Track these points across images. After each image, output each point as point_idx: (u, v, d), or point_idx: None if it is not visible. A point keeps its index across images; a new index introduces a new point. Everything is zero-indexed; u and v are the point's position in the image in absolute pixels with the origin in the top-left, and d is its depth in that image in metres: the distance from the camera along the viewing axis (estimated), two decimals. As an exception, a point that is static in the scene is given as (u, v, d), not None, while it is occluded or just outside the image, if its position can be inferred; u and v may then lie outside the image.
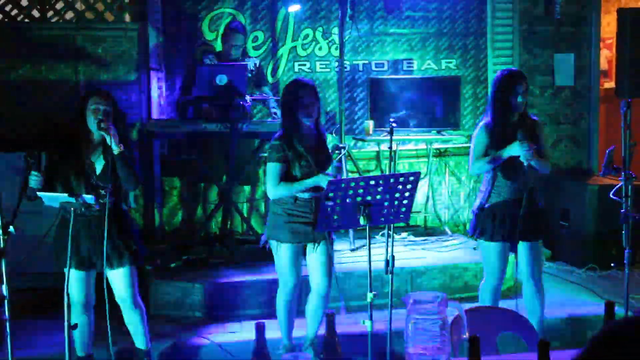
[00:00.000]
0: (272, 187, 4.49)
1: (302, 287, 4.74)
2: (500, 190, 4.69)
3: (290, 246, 4.53)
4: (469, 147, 4.93)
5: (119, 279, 4.38)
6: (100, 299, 4.43)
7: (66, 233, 4.07)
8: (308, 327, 4.71)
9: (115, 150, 4.17)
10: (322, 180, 4.39)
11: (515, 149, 4.54)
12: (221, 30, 6.66)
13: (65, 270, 4.22)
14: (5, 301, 3.81)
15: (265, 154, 6.92)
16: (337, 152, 6.38)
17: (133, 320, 4.48)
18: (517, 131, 4.57)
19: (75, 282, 4.32)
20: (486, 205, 4.72)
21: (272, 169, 4.48)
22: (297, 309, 4.74)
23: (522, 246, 4.73)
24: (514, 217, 4.63)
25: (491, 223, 4.70)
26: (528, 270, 4.74)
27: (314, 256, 4.58)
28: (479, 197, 4.83)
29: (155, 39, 6.67)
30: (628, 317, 1.55)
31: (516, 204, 4.63)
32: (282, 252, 4.55)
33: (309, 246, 4.58)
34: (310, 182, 4.44)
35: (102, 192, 4.28)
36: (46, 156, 4.37)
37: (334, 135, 6.77)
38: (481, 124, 4.77)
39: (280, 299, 4.66)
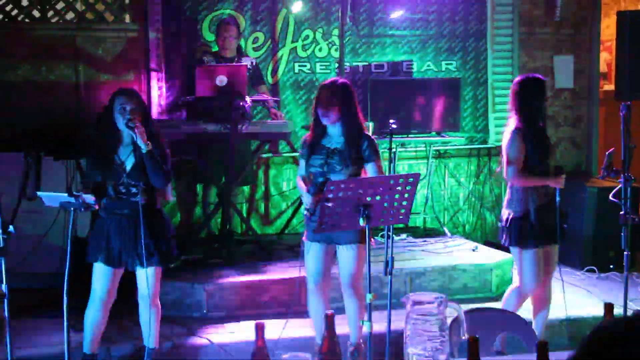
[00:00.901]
0: (298, 177, 4.70)
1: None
2: (530, 198, 4.68)
3: (313, 245, 4.55)
4: (469, 148, 4.93)
5: (144, 277, 4.40)
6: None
7: (98, 230, 4.26)
8: (350, 329, 4.66)
9: (144, 148, 4.24)
10: (303, 197, 4.53)
11: (554, 184, 4.64)
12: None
13: (93, 262, 4.32)
14: (6, 300, 3.82)
15: (265, 155, 6.96)
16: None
17: (149, 319, 4.49)
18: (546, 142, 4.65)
19: (101, 277, 4.38)
20: (520, 214, 4.70)
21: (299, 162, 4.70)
22: (322, 307, 4.62)
23: (549, 249, 4.78)
24: (546, 222, 4.66)
25: (528, 230, 4.68)
26: (547, 273, 4.77)
27: (341, 258, 4.57)
28: (509, 206, 4.76)
29: (155, 40, 6.68)
30: (620, 317, 1.56)
31: (546, 208, 4.66)
32: (306, 250, 4.60)
33: (339, 247, 4.55)
34: (301, 192, 4.59)
35: (134, 190, 4.33)
36: (85, 160, 4.44)
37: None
38: (511, 129, 4.68)
39: (309, 299, 4.68)
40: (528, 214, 4.69)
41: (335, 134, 4.54)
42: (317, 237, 4.50)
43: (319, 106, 4.49)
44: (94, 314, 4.42)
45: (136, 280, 4.46)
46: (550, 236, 4.72)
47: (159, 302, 4.55)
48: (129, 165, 4.34)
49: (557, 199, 4.71)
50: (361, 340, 4.61)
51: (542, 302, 4.86)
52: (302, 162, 4.62)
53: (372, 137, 4.70)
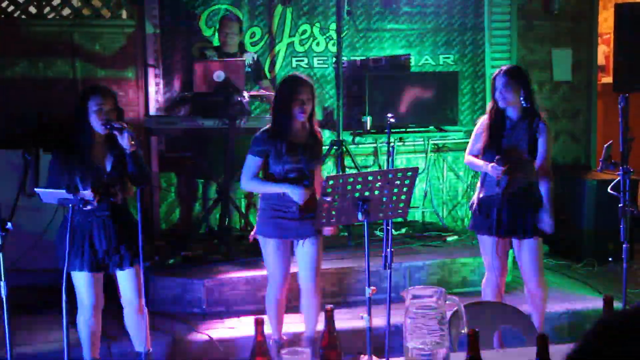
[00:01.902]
0: (244, 179, 4.54)
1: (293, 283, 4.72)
2: (491, 185, 4.67)
3: (276, 241, 4.50)
4: (467, 142, 4.94)
5: (127, 280, 4.33)
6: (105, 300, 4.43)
7: (74, 234, 4.07)
8: (305, 325, 4.71)
9: (129, 149, 4.12)
10: (292, 193, 4.41)
11: (490, 170, 4.55)
12: (217, 25, 6.67)
13: (74, 271, 4.21)
14: (4, 297, 3.81)
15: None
16: (335, 147, 6.38)
17: (135, 323, 4.41)
18: (517, 133, 4.59)
19: (88, 284, 4.26)
20: (481, 199, 4.73)
21: (249, 161, 4.51)
22: (285, 304, 4.72)
23: (517, 243, 4.72)
24: (504, 212, 4.64)
25: (486, 217, 4.70)
26: (529, 266, 4.73)
27: (302, 252, 4.57)
28: (476, 190, 4.84)
29: (152, 36, 6.67)
30: (621, 310, 1.56)
31: (513, 198, 4.63)
32: (268, 248, 4.54)
33: (298, 242, 4.55)
34: (279, 187, 4.44)
35: (113, 190, 4.25)
36: (53, 156, 4.29)
37: (331, 131, 6.77)
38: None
39: (268, 295, 4.65)
40: (480, 200, 4.73)
41: (300, 129, 4.51)
42: (275, 232, 4.48)
43: (298, 102, 4.41)
44: (89, 322, 4.32)
45: (118, 284, 4.36)
46: (510, 228, 4.65)
47: (145, 304, 4.41)
48: (108, 166, 4.24)
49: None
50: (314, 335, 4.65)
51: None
52: (259, 160, 4.48)
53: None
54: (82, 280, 4.25)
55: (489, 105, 4.80)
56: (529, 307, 4.75)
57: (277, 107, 4.52)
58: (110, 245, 4.25)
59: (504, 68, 4.74)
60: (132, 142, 4.12)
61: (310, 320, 4.67)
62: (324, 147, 6.31)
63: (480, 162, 4.69)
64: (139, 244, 4.26)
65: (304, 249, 4.55)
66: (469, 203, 4.92)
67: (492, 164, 4.51)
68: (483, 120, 4.79)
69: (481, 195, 4.72)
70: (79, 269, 4.21)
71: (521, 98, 4.63)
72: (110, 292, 4.46)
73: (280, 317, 4.71)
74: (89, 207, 4.08)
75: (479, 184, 4.80)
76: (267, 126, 4.54)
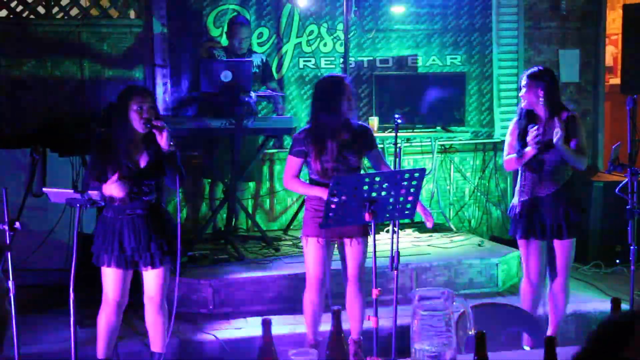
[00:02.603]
0: (286, 179, 4.60)
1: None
2: (527, 188, 4.68)
3: (316, 241, 4.49)
4: (474, 143, 4.94)
5: (154, 278, 4.34)
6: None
7: (105, 231, 4.11)
8: (350, 326, 4.66)
9: (167, 148, 4.17)
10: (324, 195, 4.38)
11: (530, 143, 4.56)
12: (225, 27, 6.68)
13: (103, 266, 4.25)
14: (12, 296, 3.82)
15: (270, 151, 6.97)
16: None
17: (156, 323, 4.42)
18: (549, 131, 4.61)
19: (114, 281, 4.28)
20: (516, 203, 4.72)
21: (289, 161, 4.56)
22: (323, 305, 4.66)
23: (557, 244, 4.73)
24: (543, 215, 4.65)
25: (520, 221, 4.70)
26: (559, 268, 4.75)
27: (346, 252, 4.56)
28: (515, 195, 4.82)
29: (160, 36, 6.68)
30: (625, 311, 1.56)
31: (542, 201, 4.64)
32: (308, 248, 4.53)
33: (344, 242, 4.54)
34: (315, 191, 4.46)
35: (146, 189, 4.28)
36: (91, 153, 4.33)
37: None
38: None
39: (305, 295, 4.63)
40: (519, 204, 4.71)
41: (339, 127, 4.51)
42: (316, 232, 4.47)
43: (345, 101, 4.46)
44: (110, 319, 4.33)
45: (143, 282, 4.38)
46: (548, 231, 4.67)
47: (166, 304, 4.44)
48: (142, 164, 4.27)
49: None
50: (361, 337, 4.63)
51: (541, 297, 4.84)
52: (299, 160, 4.52)
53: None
54: (109, 276, 4.28)
55: (519, 106, 4.81)
56: (549, 309, 4.78)
57: (321, 105, 4.53)
58: (139, 243, 4.26)
59: (529, 69, 4.79)
60: (171, 142, 4.17)
61: (355, 321, 4.63)
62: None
63: (513, 155, 4.67)
64: (170, 243, 4.30)
65: (349, 250, 4.54)
66: (509, 208, 4.87)
67: (531, 132, 4.52)
68: (513, 121, 4.78)
69: (522, 199, 4.70)
70: (107, 264, 4.25)
71: (541, 98, 4.65)
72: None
73: (316, 319, 4.65)
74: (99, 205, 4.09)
75: (517, 188, 4.78)
76: (307, 126, 4.57)
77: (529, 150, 4.58)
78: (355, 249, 4.53)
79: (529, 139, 4.56)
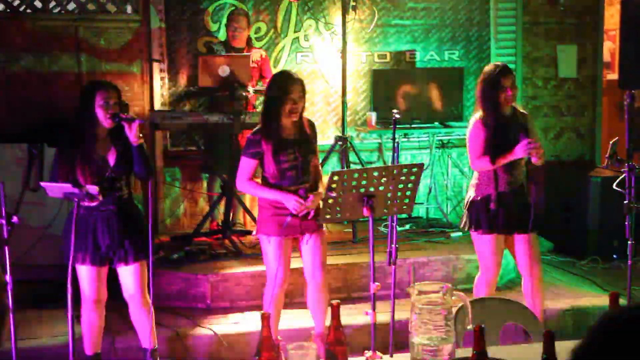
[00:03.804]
0: (239, 181, 4.50)
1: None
2: (492, 183, 4.67)
3: (277, 239, 4.45)
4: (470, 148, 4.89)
5: (130, 275, 4.32)
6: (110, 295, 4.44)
7: (78, 228, 4.05)
8: (314, 321, 4.68)
9: (136, 141, 4.17)
10: (286, 203, 4.36)
11: (519, 152, 4.53)
12: (224, 20, 6.67)
13: (78, 264, 4.21)
14: (9, 290, 3.82)
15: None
16: (339, 143, 6.37)
17: (141, 319, 4.42)
18: (514, 129, 4.59)
19: (91, 279, 4.27)
20: (479, 198, 4.72)
21: (243, 163, 4.46)
22: (283, 302, 4.68)
23: (518, 239, 4.73)
24: (508, 210, 4.64)
25: (485, 215, 4.69)
26: (526, 263, 4.73)
27: (306, 248, 4.54)
28: (470, 189, 4.81)
29: (157, 30, 6.66)
30: (625, 306, 1.56)
31: (510, 196, 4.64)
32: (269, 246, 4.49)
33: (303, 239, 4.53)
34: (274, 196, 4.40)
35: (117, 184, 4.26)
36: (56, 151, 4.30)
37: (335, 127, 6.77)
38: (475, 117, 4.75)
39: (267, 293, 4.58)
40: (481, 198, 4.69)
41: (291, 126, 4.46)
42: (276, 230, 4.43)
43: (290, 101, 4.34)
44: (91, 316, 4.32)
45: (120, 280, 4.36)
46: (512, 225, 4.67)
47: (149, 299, 4.40)
48: (111, 160, 4.25)
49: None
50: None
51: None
52: (253, 162, 4.43)
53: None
54: (84, 274, 4.26)
55: (481, 107, 4.71)
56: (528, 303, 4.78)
57: (267, 105, 4.46)
58: (114, 240, 4.25)
59: (501, 65, 4.74)
60: (140, 135, 4.16)
61: (319, 317, 4.65)
62: (328, 144, 6.33)
63: (503, 158, 4.60)
64: (144, 239, 4.29)
65: (309, 245, 4.53)
66: (465, 201, 4.87)
67: (521, 144, 4.48)
68: (477, 122, 4.70)
69: (484, 193, 4.70)
70: (82, 262, 4.22)
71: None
72: (115, 287, 4.46)
73: (278, 315, 4.66)
74: (94, 202, 4.08)
75: (476, 181, 4.77)
76: (258, 127, 4.47)
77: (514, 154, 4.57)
78: (315, 244, 4.51)
79: (522, 148, 4.51)
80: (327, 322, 4.44)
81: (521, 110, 4.84)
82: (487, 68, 4.79)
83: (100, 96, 4.19)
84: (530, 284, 4.77)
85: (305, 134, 4.50)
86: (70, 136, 4.27)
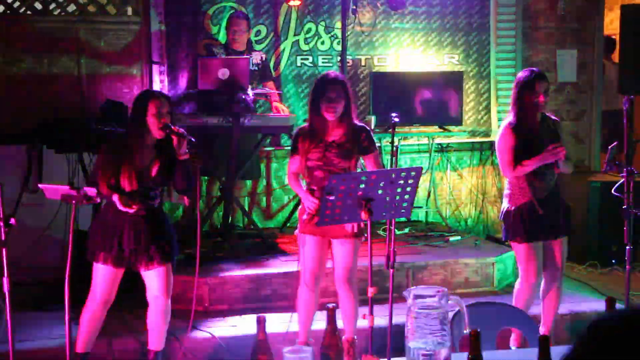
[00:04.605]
0: (288, 175, 4.69)
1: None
2: (525, 192, 4.68)
3: (309, 239, 4.51)
4: (471, 142, 4.92)
5: (155, 277, 4.33)
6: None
7: (106, 228, 4.10)
8: (344, 326, 4.66)
9: (184, 156, 4.19)
10: (305, 201, 4.49)
11: (546, 157, 4.56)
12: (224, 23, 6.67)
13: (97, 263, 4.24)
14: (7, 292, 3.82)
15: (267, 149, 6.96)
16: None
17: (158, 321, 4.43)
18: (543, 135, 4.61)
19: (106, 278, 4.28)
20: (513, 208, 4.72)
21: (290, 159, 4.63)
22: (317, 304, 4.67)
23: (553, 243, 4.75)
24: (544, 216, 4.65)
25: (521, 224, 4.69)
26: (554, 267, 4.76)
27: (336, 252, 4.56)
28: (504, 200, 4.82)
29: (157, 33, 6.67)
30: (617, 310, 1.55)
31: (542, 203, 4.66)
32: (303, 245, 4.55)
33: (334, 241, 4.54)
34: (298, 191, 4.60)
35: (152, 193, 4.29)
36: (101, 153, 4.32)
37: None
38: (505, 124, 4.76)
39: (299, 293, 4.64)
40: (515, 208, 4.70)
41: (333, 127, 4.51)
42: (308, 230, 4.49)
43: (326, 100, 4.43)
44: (95, 315, 4.32)
45: (145, 282, 4.38)
46: (549, 230, 4.70)
47: (170, 304, 4.44)
48: (154, 170, 4.25)
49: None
50: (355, 336, 4.61)
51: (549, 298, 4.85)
52: (295, 157, 4.56)
53: (369, 129, 4.70)
54: (101, 274, 4.27)
55: (513, 111, 4.71)
56: (542, 309, 4.80)
57: (309, 105, 4.59)
58: (139, 245, 4.26)
59: (537, 70, 4.75)
60: (188, 150, 4.18)
61: (347, 322, 4.62)
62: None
63: (534, 163, 4.61)
64: (172, 244, 4.35)
65: (338, 250, 4.54)
66: (500, 212, 4.87)
67: (549, 149, 4.51)
68: (506, 128, 4.70)
69: (517, 202, 4.70)
70: (103, 262, 4.24)
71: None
72: (121, 287, 4.47)
73: (310, 317, 4.66)
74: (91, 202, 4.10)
75: (508, 191, 4.78)
76: (305, 124, 4.62)
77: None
78: (344, 249, 4.52)
79: (550, 154, 4.55)
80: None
81: (553, 118, 4.84)
82: (523, 73, 4.78)
83: (153, 104, 4.19)
84: (551, 287, 4.81)
85: (345, 139, 4.50)
86: (119, 142, 4.29)
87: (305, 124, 4.61)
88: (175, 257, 4.40)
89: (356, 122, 4.58)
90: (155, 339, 4.48)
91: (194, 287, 4.33)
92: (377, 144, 7.10)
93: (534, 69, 4.85)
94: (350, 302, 4.58)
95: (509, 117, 4.74)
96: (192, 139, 4.22)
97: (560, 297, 4.84)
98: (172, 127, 4.18)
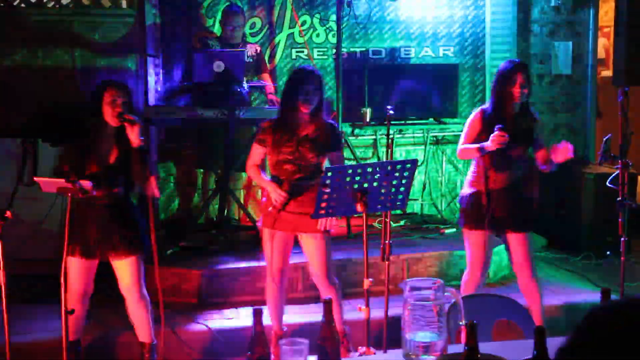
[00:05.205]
0: (248, 165, 4.63)
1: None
2: (480, 180, 4.66)
3: (268, 231, 4.52)
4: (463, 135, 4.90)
5: (125, 268, 4.36)
6: (97, 289, 4.44)
7: (74, 221, 4.07)
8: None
9: (137, 142, 4.23)
10: (271, 192, 4.45)
11: (490, 144, 4.46)
12: (219, 16, 6.66)
13: (71, 257, 4.23)
14: (2, 286, 3.82)
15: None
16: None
17: (138, 313, 4.46)
18: (517, 128, 4.56)
19: (77, 270, 4.31)
20: (469, 194, 4.71)
21: (252, 148, 4.59)
22: (285, 295, 4.73)
23: (511, 237, 4.72)
24: (500, 207, 4.63)
25: (474, 211, 4.68)
26: (518, 262, 4.73)
27: (305, 246, 4.57)
28: (465, 185, 4.82)
29: (152, 25, 6.65)
30: (612, 301, 1.56)
31: (503, 193, 4.63)
32: (264, 238, 4.57)
33: (304, 235, 4.55)
34: (263, 182, 4.54)
35: (115, 182, 4.32)
36: (62, 145, 4.39)
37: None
38: (478, 109, 4.76)
39: (267, 286, 4.68)
40: (473, 195, 4.69)
41: (305, 122, 4.49)
42: (271, 223, 4.49)
43: (304, 92, 4.40)
44: (75, 308, 4.24)
45: (115, 273, 4.40)
46: (497, 223, 4.65)
47: (146, 293, 4.47)
48: (112, 158, 4.32)
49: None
50: (346, 327, 4.64)
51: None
52: (260, 148, 4.53)
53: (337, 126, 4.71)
54: (73, 266, 4.29)
55: (490, 99, 4.71)
56: (526, 302, 4.77)
57: (282, 97, 4.58)
58: (103, 234, 4.30)
59: (517, 61, 4.74)
60: (141, 137, 4.23)
61: (334, 315, 4.64)
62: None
63: (473, 145, 4.59)
64: (138, 233, 4.34)
65: (306, 244, 4.55)
66: (458, 199, 4.87)
67: (494, 135, 4.41)
68: (477, 113, 4.70)
69: (471, 190, 4.70)
70: (72, 254, 4.25)
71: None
72: (111, 283, 4.47)
73: (280, 309, 4.71)
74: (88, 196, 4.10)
75: (469, 177, 4.77)
76: (274, 116, 4.57)
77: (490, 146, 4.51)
78: (317, 244, 4.52)
79: (494, 139, 4.44)
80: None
81: (534, 116, 4.76)
82: (504, 63, 4.78)
83: (108, 93, 4.27)
84: (523, 282, 4.76)
85: (318, 134, 4.49)
86: (78, 129, 4.34)
87: (274, 117, 4.56)
88: (144, 247, 4.39)
89: (324, 117, 4.58)
90: (142, 331, 4.50)
91: (157, 279, 4.28)
92: (372, 137, 7.18)
93: (516, 60, 4.85)
94: (332, 296, 4.59)
95: (486, 104, 4.73)
96: (142, 124, 4.33)
97: (540, 289, 4.74)
98: (125, 115, 4.25)
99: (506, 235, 4.72)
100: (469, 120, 4.73)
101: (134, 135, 4.22)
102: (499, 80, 4.66)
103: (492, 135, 4.43)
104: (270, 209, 4.48)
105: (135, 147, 4.24)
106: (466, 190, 4.75)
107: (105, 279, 4.50)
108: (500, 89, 4.63)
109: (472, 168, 4.76)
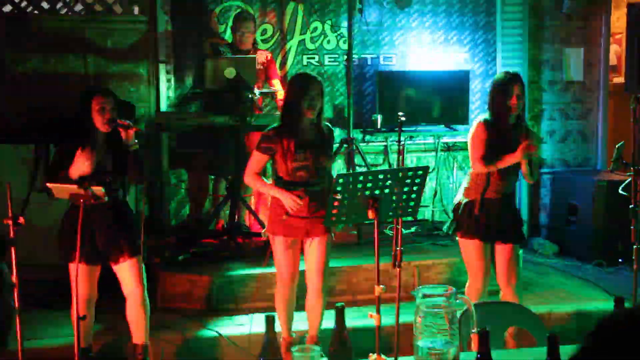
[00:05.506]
0: (247, 174, 4.57)
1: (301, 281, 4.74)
2: (479, 189, 4.65)
3: (284, 239, 4.52)
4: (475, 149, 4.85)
5: (128, 270, 4.39)
6: (108, 295, 4.46)
7: (74, 227, 4.07)
8: (309, 324, 4.71)
9: (132, 146, 4.29)
10: (284, 200, 4.41)
11: (519, 153, 4.50)
12: (230, 23, 6.68)
13: (72, 263, 4.25)
14: (15, 291, 3.83)
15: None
16: (345, 145, 6.38)
17: (138, 315, 4.46)
18: (514, 138, 4.57)
19: (84, 277, 4.31)
20: (465, 202, 4.70)
21: (254, 156, 4.54)
22: (295, 302, 4.73)
23: (499, 248, 4.69)
24: (492, 217, 4.62)
25: (469, 219, 4.66)
26: (503, 274, 4.69)
27: (309, 251, 4.57)
28: (460, 192, 4.79)
29: (164, 32, 6.68)
30: (625, 309, 1.55)
31: (496, 203, 4.62)
32: (276, 246, 4.56)
33: (307, 241, 4.56)
34: (272, 191, 4.49)
35: (113, 187, 4.35)
36: (55, 152, 4.42)
37: (341, 129, 6.77)
38: (479, 119, 4.74)
39: (277, 293, 4.67)
40: (468, 202, 4.67)
41: (309, 127, 4.50)
42: (283, 230, 4.49)
43: (308, 98, 4.41)
44: (78, 313, 4.35)
45: (119, 277, 4.42)
46: (491, 233, 4.63)
47: (147, 295, 4.50)
48: (109, 164, 4.36)
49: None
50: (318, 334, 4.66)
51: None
52: (264, 157, 4.49)
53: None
54: (77, 272, 4.27)
55: (489, 112, 4.69)
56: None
57: (286, 104, 4.55)
58: (108, 239, 4.34)
59: (512, 72, 4.71)
60: (136, 140, 4.30)
61: (314, 320, 4.67)
62: (334, 145, 6.34)
63: (510, 156, 4.56)
64: (139, 237, 4.43)
65: (311, 249, 4.56)
66: (454, 206, 4.84)
67: (522, 146, 4.46)
68: (479, 124, 4.67)
69: (467, 198, 4.69)
70: (73, 260, 4.23)
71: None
72: (118, 287, 4.48)
73: (289, 315, 4.71)
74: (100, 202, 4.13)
75: (466, 185, 4.75)
76: (276, 124, 4.55)
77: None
78: (320, 249, 4.54)
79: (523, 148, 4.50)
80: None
81: (526, 127, 4.77)
82: (499, 75, 4.79)
83: (96, 101, 4.31)
84: (505, 295, 4.71)
85: (321, 138, 4.54)
86: (71, 138, 4.37)
87: (276, 125, 4.52)
88: (141, 252, 4.45)
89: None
90: (138, 332, 4.51)
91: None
92: (384, 143, 7.18)
93: (510, 70, 4.81)
94: (319, 303, 4.64)
95: (485, 115, 4.71)
96: (138, 128, 4.34)
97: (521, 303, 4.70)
98: (118, 120, 4.28)
99: (494, 246, 4.70)
100: (473, 133, 4.68)
101: (129, 139, 4.28)
102: (495, 92, 4.65)
103: (520, 145, 4.47)
104: (284, 217, 4.47)
105: (132, 150, 4.30)
106: (461, 197, 4.73)
107: (114, 284, 4.51)
108: (497, 101, 4.63)
109: (470, 177, 4.73)
